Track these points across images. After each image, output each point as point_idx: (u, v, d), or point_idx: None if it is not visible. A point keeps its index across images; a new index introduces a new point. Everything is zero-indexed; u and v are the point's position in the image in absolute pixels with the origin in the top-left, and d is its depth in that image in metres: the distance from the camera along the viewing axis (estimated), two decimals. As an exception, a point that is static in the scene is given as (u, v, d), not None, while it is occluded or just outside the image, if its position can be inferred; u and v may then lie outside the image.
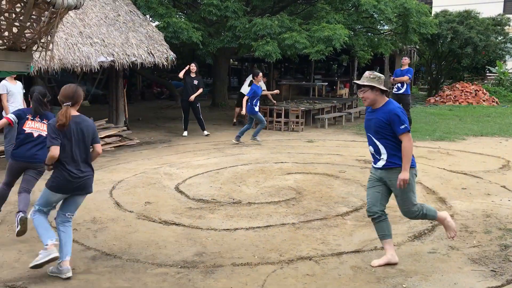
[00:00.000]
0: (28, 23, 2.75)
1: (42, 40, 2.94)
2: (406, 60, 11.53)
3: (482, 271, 3.99)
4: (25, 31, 2.83)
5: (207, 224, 5.14)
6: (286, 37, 11.43)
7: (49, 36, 2.92)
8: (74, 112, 3.94)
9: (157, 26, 12.07)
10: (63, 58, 8.56)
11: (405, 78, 11.07)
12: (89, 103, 17.38)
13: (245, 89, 12.74)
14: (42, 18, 2.74)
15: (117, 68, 9.60)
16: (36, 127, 4.96)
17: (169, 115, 14.92)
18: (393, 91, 11.49)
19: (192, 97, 10.65)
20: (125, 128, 10.52)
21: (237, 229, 5.00)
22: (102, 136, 9.57)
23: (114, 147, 9.58)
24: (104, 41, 9.48)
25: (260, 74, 10.59)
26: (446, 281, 3.81)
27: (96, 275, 3.95)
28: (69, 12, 9.28)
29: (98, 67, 9.04)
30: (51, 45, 2.97)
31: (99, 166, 7.90)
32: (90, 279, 3.86)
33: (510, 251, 4.37)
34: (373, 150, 4.23)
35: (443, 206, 5.71)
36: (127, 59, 9.59)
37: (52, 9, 2.67)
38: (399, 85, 11.21)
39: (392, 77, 11.64)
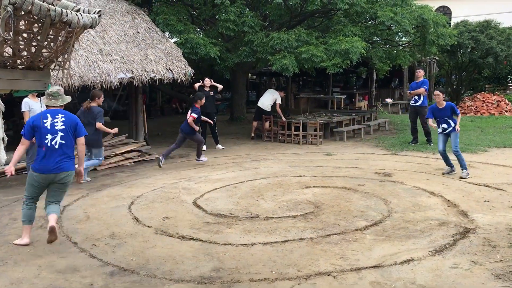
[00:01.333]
0: (45, 43, 2.82)
1: (59, 59, 3.00)
2: (420, 72, 11.53)
3: (507, 286, 3.87)
4: (43, 50, 2.89)
5: (224, 239, 5.13)
6: (303, 51, 11.44)
7: (66, 55, 2.98)
8: None
9: (175, 42, 12.23)
10: (84, 76, 8.72)
11: (421, 90, 11.05)
12: (110, 119, 17.66)
13: (263, 103, 12.80)
14: (59, 38, 2.80)
15: (136, 84, 9.73)
16: None
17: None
18: (411, 103, 11.49)
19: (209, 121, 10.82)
20: (144, 143, 10.62)
21: (254, 244, 4.97)
22: (122, 151, 9.70)
23: (133, 162, 9.67)
24: (123, 58, 9.64)
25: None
26: (468, 297, 3.72)
27: (114, 290, 3.96)
28: (90, 30, 9.47)
29: (118, 84, 9.18)
30: (67, 63, 3.04)
31: (118, 182, 7.99)
32: (108, 295, 3.88)
33: (536, 266, 4.24)
34: None
35: (465, 220, 5.59)
36: (146, 75, 9.73)
37: (69, 29, 2.73)
38: (416, 97, 11.22)
39: (409, 91, 11.69)
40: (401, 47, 15.80)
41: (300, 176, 8.09)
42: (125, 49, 9.95)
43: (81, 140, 5.09)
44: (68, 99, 5.08)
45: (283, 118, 12.47)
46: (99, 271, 4.35)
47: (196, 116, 9.14)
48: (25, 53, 2.85)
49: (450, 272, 4.18)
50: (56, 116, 4.91)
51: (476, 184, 7.31)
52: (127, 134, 10.68)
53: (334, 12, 13.78)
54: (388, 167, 8.81)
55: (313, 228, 5.42)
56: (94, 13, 2.93)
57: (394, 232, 5.26)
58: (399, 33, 14.32)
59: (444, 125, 8.06)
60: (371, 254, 4.65)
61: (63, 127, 4.90)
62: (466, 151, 10.27)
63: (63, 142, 4.89)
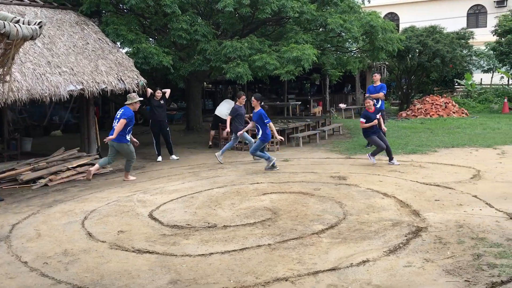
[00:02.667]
0: (-16, 56, 2.71)
1: (-1, 72, 2.89)
2: (377, 76, 11.75)
3: (457, 282, 4.01)
4: (-19, 64, 2.78)
5: (181, 250, 5.06)
6: (256, 59, 11.52)
7: (5, 67, 2.87)
8: None
9: (127, 53, 12.05)
10: (31, 89, 8.45)
11: (381, 95, 11.25)
12: (61, 132, 17.16)
13: (220, 111, 12.79)
14: (-2, 50, 2.70)
15: (87, 96, 9.50)
16: None
17: (142, 141, 14.74)
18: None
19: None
20: (97, 156, 10.37)
21: (212, 253, 4.93)
22: (74, 165, 9.43)
23: (86, 176, 9.40)
24: (73, 69, 9.41)
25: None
26: (421, 294, 3.82)
27: (66, 310, 3.83)
28: (37, 42, 9.18)
29: (68, 96, 8.93)
30: (7, 76, 2.92)
31: (71, 197, 7.77)
32: (60, 315, 3.74)
33: (483, 260, 4.41)
34: None
35: (417, 219, 5.75)
36: (97, 87, 9.53)
37: (7, 40, 2.63)
38: (375, 101, 11.34)
39: (367, 94, 11.80)
40: (351, 53, 16.20)
41: (257, 183, 8.11)
42: (74, 60, 9.71)
43: None
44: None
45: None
46: (50, 291, 4.20)
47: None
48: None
49: (404, 271, 4.29)
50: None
51: (427, 184, 7.55)
52: (79, 148, 10.41)
53: (286, 20, 13.97)
54: (343, 170, 8.97)
55: (271, 234, 5.43)
56: (35, 24, 2.84)
57: (349, 234, 5.35)
58: (349, 40, 14.67)
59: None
60: (328, 257, 4.71)
61: None
62: (417, 152, 10.63)
63: None
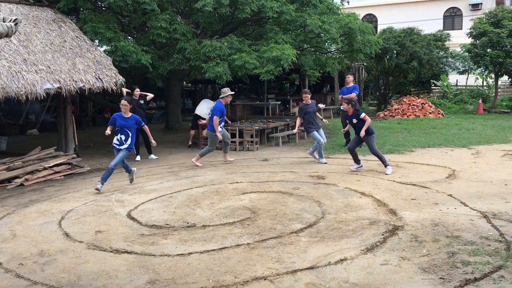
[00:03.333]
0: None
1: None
2: (350, 78, 11.91)
3: (432, 279, 4.09)
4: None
5: (160, 250, 5.04)
6: (236, 58, 11.53)
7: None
8: None
9: (105, 51, 11.92)
10: (7, 87, 8.30)
11: (353, 95, 11.31)
12: (37, 131, 16.88)
13: (200, 111, 12.74)
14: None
15: (65, 94, 9.37)
16: None
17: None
18: (342, 108, 11.77)
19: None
20: (74, 155, 10.24)
21: (191, 253, 4.93)
22: (51, 165, 9.30)
23: (63, 175, 9.29)
24: (50, 67, 9.27)
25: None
26: (397, 291, 3.88)
27: (43, 311, 3.78)
28: (12, 39, 9.02)
29: (45, 95, 8.80)
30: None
31: (48, 197, 7.66)
32: (36, 316, 3.69)
33: (457, 258, 4.51)
34: None
35: (394, 218, 5.84)
36: (74, 85, 9.40)
37: (-18, 38, 2.58)
38: (353, 102, 11.46)
39: (340, 96, 11.97)
40: (330, 54, 16.33)
41: (237, 182, 8.12)
42: (51, 58, 9.57)
43: None
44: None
45: (228, 121, 12.80)
46: (26, 292, 4.14)
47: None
48: None
49: (380, 269, 4.35)
50: None
51: (403, 183, 7.67)
52: (56, 147, 10.26)
53: (265, 20, 14.00)
54: (321, 170, 9.05)
55: (250, 234, 5.45)
56: (10, 21, 2.79)
57: (327, 233, 5.41)
58: (328, 41, 14.79)
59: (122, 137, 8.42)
60: (306, 256, 4.75)
61: None
62: (394, 152, 10.78)
63: None
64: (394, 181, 7.87)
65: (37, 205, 7.13)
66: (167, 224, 5.91)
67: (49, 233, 5.73)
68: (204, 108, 12.77)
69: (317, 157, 9.95)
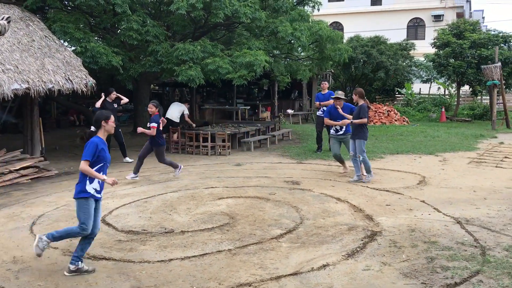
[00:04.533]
0: None
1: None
2: (325, 84, 12.02)
3: (414, 284, 4.17)
4: None
5: (139, 256, 4.93)
6: (209, 62, 11.47)
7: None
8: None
9: (74, 51, 11.61)
10: (-29, 86, 7.95)
11: (331, 102, 11.22)
12: (-1, 132, 16.24)
13: (171, 114, 12.59)
14: (-38, 45, 2.51)
15: (33, 95, 9.06)
16: None
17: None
18: (318, 114, 11.79)
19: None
20: (42, 158, 9.91)
21: (172, 259, 4.84)
22: (17, 168, 8.97)
23: (30, 179, 8.98)
24: (17, 67, 8.95)
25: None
26: (382, 297, 3.93)
27: (21, 321, 3.62)
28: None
29: (12, 95, 8.49)
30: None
31: (16, 201, 7.38)
32: (14, 326, 3.53)
33: (436, 263, 4.61)
34: None
35: (371, 223, 5.93)
36: (43, 86, 9.10)
37: (-26, 36, 2.46)
38: (324, 108, 11.24)
39: (316, 102, 11.87)
40: (300, 61, 16.48)
41: (212, 187, 8.05)
42: (19, 58, 9.24)
43: None
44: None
45: (194, 124, 12.78)
46: (1, 301, 3.96)
47: (156, 125, 8.73)
48: None
49: (363, 274, 4.40)
50: None
51: (377, 189, 7.80)
52: (22, 149, 9.90)
53: (236, 26, 14.00)
54: (296, 175, 9.09)
55: (230, 240, 5.41)
56: (2, 19, 2.67)
57: (308, 238, 5.43)
58: (299, 48, 14.93)
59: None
60: (289, 262, 4.75)
61: None
62: (364, 158, 10.93)
63: None
64: (367, 187, 7.99)
65: (5, 209, 6.85)
66: (144, 230, 5.79)
67: (21, 239, 5.51)
68: (175, 112, 12.66)
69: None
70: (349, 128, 9.07)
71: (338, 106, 9.00)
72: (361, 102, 8.63)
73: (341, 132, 9.11)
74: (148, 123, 8.89)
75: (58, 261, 4.82)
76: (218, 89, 24.70)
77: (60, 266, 4.68)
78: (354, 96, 8.81)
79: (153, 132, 8.65)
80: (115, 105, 10.62)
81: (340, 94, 9.33)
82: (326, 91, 11.81)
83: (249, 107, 20.98)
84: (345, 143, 9.07)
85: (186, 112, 12.82)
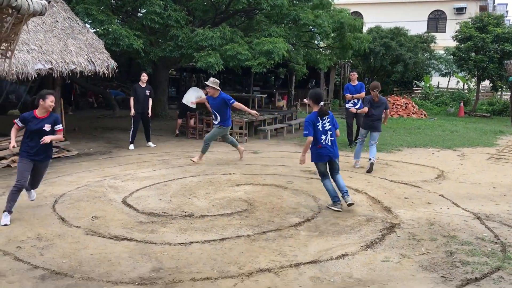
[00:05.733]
0: (-11, 29, 2.57)
1: (2, 47, 2.75)
2: (355, 75, 11.35)
3: (434, 277, 4.17)
4: (-15, 37, 2.63)
5: (160, 238, 5.01)
6: (228, 48, 11.46)
7: (10, 43, 2.73)
8: None
9: (96, 33, 11.68)
10: (-3, 65, 8.04)
11: (363, 94, 10.82)
12: (19, 111, 16.48)
13: (187, 99, 12.63)
14: (5, 24, 2.56)
15: (56, 76, 9.16)
16: None
17: (107, 125, 14.46)
18: (348, 106, 11.08)
19: (149, 112, 10.45)
20: (62, 138, 10.02)
21: (192, 242, 4.91)
22: (38, 147, 9.09)
23: (51, 158, 9.08)
24: (41, 47, 9.04)
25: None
26: (402, 288, 3.95)
27: (47, 296, 3.72)
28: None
29: (36, 75, 8.59)
30: (11, 52, 2.78)
31: (37, 179, 7.48)
32: (41, 301, 3.63)
33: (456, 257, 4.61)
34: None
35: (390, 215, 5.93)
36: (66, 67, 9.19)
37: (18, 15, 2.51)
38: (356, 100, 11.00)
39: (347, 93, 11.11)
40: (320, 50, 16.38)
41: (230, 174, 8.10)
42: (43, 38, 9.33)
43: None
44: None
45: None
46: (28, 275, 4.06)
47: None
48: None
49: (382, 266, 4.42)
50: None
51: (395, 182, 7.78)
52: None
53: (256, 12, 13.94)
54: (313, 165, 9.03)
55: (249, 226, 5.46)
56: (43, -1, 2.72)
57: (326, 228, 5.46)
58: (319, 36, 14.84)
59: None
60: (308, 250, 4.78)
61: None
62: (382, 150, 10.90)
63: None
64: (385, 179, 7.97)
65: (27, 187, 6.97)
66: (164, 213, 5.87)
67: (44, 216, 5.62)
68: (192, 97, 12.63)
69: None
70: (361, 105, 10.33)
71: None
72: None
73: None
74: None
75: (81, 240, 4.91)
76: (235, 76, 24.71)
77: (83, 245, 4.78)
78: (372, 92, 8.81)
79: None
80: (147, 92, 10.57)
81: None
82: (356, 82, 11.16)
83: (265, 95, 20.95)
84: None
85: (204, 97, 12.77)
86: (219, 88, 9.07)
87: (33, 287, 3.86)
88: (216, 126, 9.15)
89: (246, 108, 9.56)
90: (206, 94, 13.25)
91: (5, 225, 5.23)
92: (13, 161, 8.52)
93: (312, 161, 6.30)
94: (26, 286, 3.87)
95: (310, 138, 6.04)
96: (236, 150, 9.64)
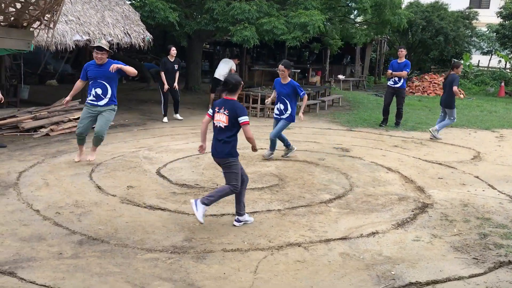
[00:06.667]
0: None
1: (45, 18, 2.81)
2: (403, 52, 10.73)
3: (465, 258, 4.13)
4: (29, 7, 2.69)
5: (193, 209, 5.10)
6: (265, 22, 11.37)
7: (53, 13, 2.79)
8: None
9: (132, 5, 11.77)
10: (37, 36, 8.23)
11: (404, 74, 10.46)
12: (56, 82, 16.89)
13: (219, 73, 12.61)
14: (48, -5, 2.62)
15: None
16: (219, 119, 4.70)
17: (142, 97, 14.67)
18: (389, 84, 10.84)
19: (176, 86, 10.54)
20: (98, 109, 10.24)
21: (224, 214, 5.00)
22: (75, 117, 9.34)
23: (88, 128, 9.33)
24: (79, 19, 9.19)
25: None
26: (432, 268, 3.93)
27: (84, 259, 3.87)
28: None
29: (74, 46, 8.76)
30: (54, 23, 2.84)
31: (75, 148, 7.67)
32: (79, 264, 3.78)
33: (489, 239, 4.54)
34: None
35: (422, 195, 5.87)
36: (103, 39, 9.32)
37: (60, -14, 2.56)
38: (396, 78, 10.58)
39: (389, 70, 10.77)
40: (356, 25, 16.04)
41: (261, 148, 8.10)
42: (80, 9, 9.48)
43: None
44: None
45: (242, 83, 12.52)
46: (66, 240, 4.23)
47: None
48: (10, 9, 2.64)
49: (413, 245, 4.40)
50: None
51: (429, 162, 7.66)
52: (80, 100, 10.27)
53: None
54: (345, 142, 9.04)
55: (280, 200, 5.51)
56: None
57: (357, 205, 5.45)
58: (357, 11, 14.51)
59: (281, 106, 7.39)
60: (338, 226, 4.80)
61: None
62: (417, 129, 10.73)
63: None
64: (419, 158, 7.86)
65: (65, 156, 7.21)
66: (197, 184, 5.97)
67: (81, 184, 5.81)
68: (223, 70, 12.41)
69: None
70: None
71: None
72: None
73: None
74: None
75: (117, 208, 5.06)
76: (268, 51, 24.50)
77: (118, 213, 4.93)
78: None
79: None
80: (176, 66, 10.64)
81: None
82: (403, 59, 10.62)
83: (299, 71, 20.73)
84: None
85: (234, 67, 12.61)
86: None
87: (72, 251, 4.02)
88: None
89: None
90: (236, 65, 13.17)
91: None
92: (52, 130, 8.79)
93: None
94: (65, 250, 4.03)
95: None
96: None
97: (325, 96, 14.91)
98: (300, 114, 7.57)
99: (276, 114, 7.51)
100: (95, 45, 6.33)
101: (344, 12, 14.50)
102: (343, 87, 20.74)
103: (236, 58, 13.60)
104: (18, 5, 2.60)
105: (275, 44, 15.91)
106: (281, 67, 7.29)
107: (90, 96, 6.51)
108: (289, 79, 7.36)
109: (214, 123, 4.82)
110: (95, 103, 6.51)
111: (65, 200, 5.23)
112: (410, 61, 11.20)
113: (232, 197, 5.52)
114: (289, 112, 7.34)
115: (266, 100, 7.86)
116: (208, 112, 4.89)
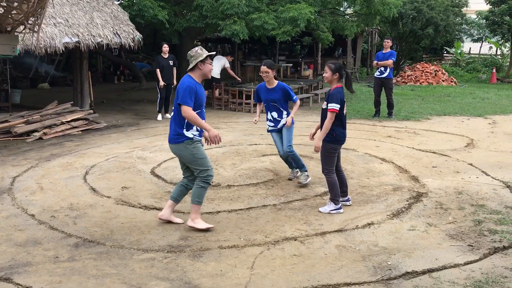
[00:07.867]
0: (16, 3, 2.60)
1: (29, 22, 2.79)
2: (388, 42, 10.82)
3: (460, 246, 4.16)
4: (12, 12, 2.67)
5: (188, 207, 5.08)
6: (255, 18, 11.33)
7: (37, 17, 2.77)
8: None
9: (121, 5, 11.71)
10: (26, 39, 8.19)
11: (389, 62, 10.50)
12: (49, 85, 16.83)
13: (212, 71, 12.56)
14: (31, -1, 2.60)
15: (83, 49, 9.27)
16: None
17: (134, 97, 14.63)
18: (376, 75, 10.95)
19: (174, 82, 10.51)
20: (91, 111, 10.23)
21: (219, 212, 5.01)
22: (68, 119, 9.31)
23: (81, 131, 9.32)
24: (68, 21, 9.14)
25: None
26: (428, 257, 3.95)
27: (81, 262, 3.87)
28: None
29: (63, 49, 8.71)
30: (38, 26, 2.82)
31: (68, 151, 7.71)
32: (75, 267, 3.78)
33: (484, 226, 4.57)
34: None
35: (417, 184, 5.89)
36: (92, 40, 9.29)
37: (43, -11, 2.54)
38: (382, 68, 10.66)
39: (375, 61, 10.90)
40: (346, 17, 16.01)
41: (255, 144, 8.14)
42: (69, 11, 9.42)
43: None
44: None
45: (238, 78, 12.59)
46: (62, 243, 4.22)
47: None
48: (-7, 14, 2.62)
49: (408, 234, 4.42)
50: None
51: (423, 151, 7.68)
52: (72, 102, 10.24)
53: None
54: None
55: (275, 195, 5.52)
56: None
57: (352, 197, 5.45)
58: (346, 2, 14.48)
59: (274, 114, 6.11)
60: (333, 219, 4.81)
61: None
62: (410, 119, 10.75)
63: None
64: (413, 148, 7.88)
65: (59, 159, 7.19)
66: (191, 183, 5.96)
67: (76, 187, 5.80)
68: (216, 67, 12.43)
69: None
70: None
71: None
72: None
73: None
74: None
75: (112, 210, 5.06)
76: (260, 46, 24.46)
77: (114, 214, 4.92)
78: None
79: None
80: (171, 62, 10.61)
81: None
82: (388, 50, 10.66)
83: (291, 65, 20.73)
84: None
85: (227, 64, 12.62)
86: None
87: (68, 254, 4.01)
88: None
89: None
90: (229, 62, 13.19)
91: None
92: (45, 134, 8.76)
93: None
94: (61, 253, 4.02)
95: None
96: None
97: (317, 89, 14.92)
98: (289, 118, 6.08)
99: (271, 126, 6.17)
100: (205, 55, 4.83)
101: (334, 4, 14.46)
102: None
103: (229, 55, 13.63)
104: (1, 10, 2.58)
105: (267, 39, 15.87)
106: (263, 68, 5.92)
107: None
108: (276, 81, 6.03)
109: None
110: None
111: (60, 204, 5.22)
112: (402, 51, 11.24)
113: (227, 194, 5.54)
114: (285, 113, 6.10)
115: (254, 120, 6.26)
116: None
